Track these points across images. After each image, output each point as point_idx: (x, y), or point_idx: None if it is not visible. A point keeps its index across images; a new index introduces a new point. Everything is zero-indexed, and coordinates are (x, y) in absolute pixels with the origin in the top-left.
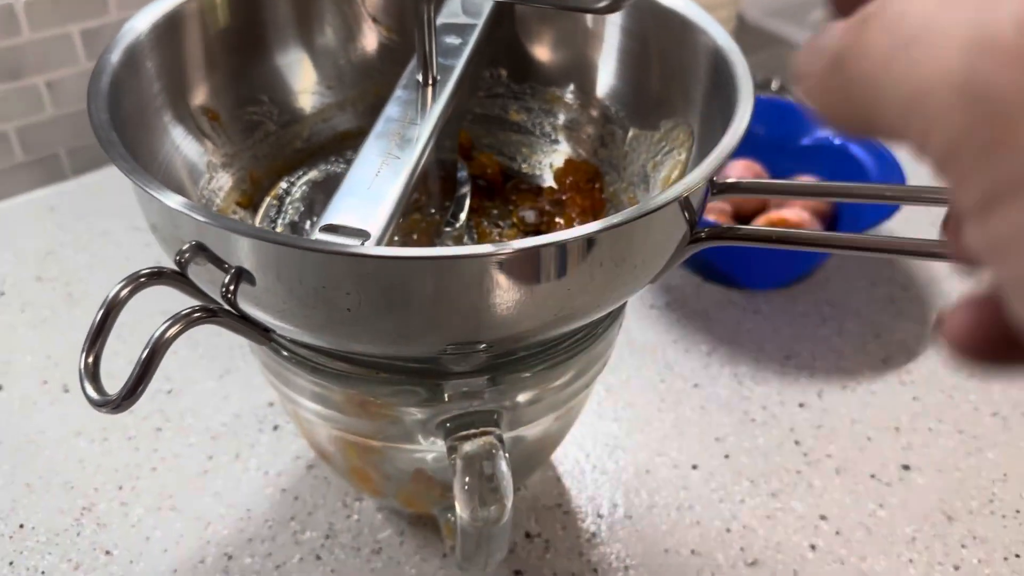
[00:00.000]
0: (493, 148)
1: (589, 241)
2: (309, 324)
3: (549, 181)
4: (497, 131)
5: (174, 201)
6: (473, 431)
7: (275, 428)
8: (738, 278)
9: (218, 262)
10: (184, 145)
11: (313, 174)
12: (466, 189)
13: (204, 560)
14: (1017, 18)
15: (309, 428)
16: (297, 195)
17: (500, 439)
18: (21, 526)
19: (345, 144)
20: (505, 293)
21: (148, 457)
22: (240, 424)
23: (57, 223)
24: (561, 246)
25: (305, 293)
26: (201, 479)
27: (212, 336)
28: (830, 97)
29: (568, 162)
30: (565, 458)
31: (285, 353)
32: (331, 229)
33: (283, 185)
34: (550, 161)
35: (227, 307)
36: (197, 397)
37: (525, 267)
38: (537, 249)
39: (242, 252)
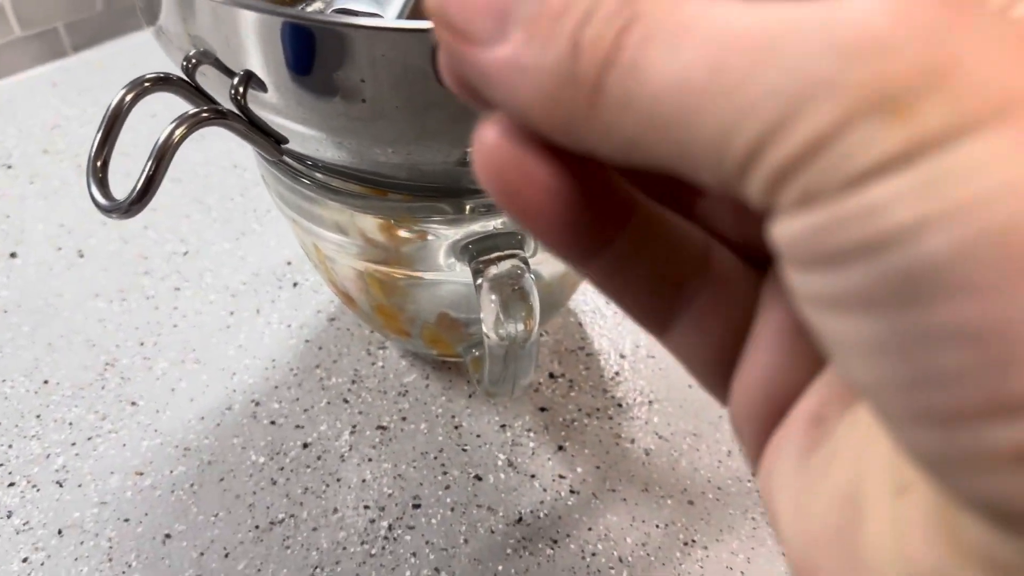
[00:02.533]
0: None
1: None
2: (323, 124)
3: None
4: None
5: None
6: (498, 253)
7: (295, 285)
8: None
9: (229, 58)
10: None
11: (317, 4)
12: None
13: (231, 407)
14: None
15: (331, 267)
16: None
17: (525, 261)
18: (45, 382)
19: None
20: None
21: (169, 315)
22: (259, 282)
23: (61, 98)
24: None
25: (318, 82)
26: (224, 333)
27: (225, 200)
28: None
29: None
30: (585, 304)
31: (306, 181)
32: (344, 12)
33: None
34: None
35: (238, 112)
36: (214, 258)
37: None
38: None
39: (253, 38)
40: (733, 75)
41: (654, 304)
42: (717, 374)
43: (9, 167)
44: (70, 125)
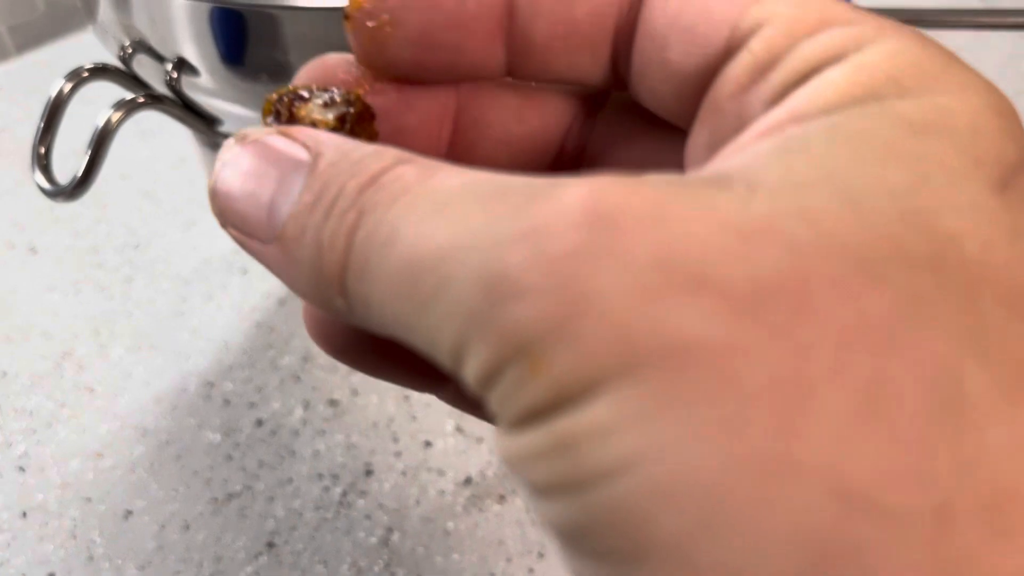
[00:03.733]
0: None
1: None
2: (254, 103)
3: None
4: None
5: None
6: None
7: (244, 272)
8: None
9: (162, 45)
10: None
11: None
12: None
13: (186, 389)
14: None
15: None
16: None
17: None
18: (4, 374)
19: None
20: None
21: (122, 304)
22: (210, 269)
23: (7, 100)
24: None
25: (246, 63)
26: (177, 319)
27: (173, 192)
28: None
29: None
30: None
31: None
32: None
33: None
34: None
35: (172, 96)
36: (165, 248)
37: None
38: None
39: (183, 23)
40: (420, 299)
41: None
42: None
43: None
44: (18, 126)
